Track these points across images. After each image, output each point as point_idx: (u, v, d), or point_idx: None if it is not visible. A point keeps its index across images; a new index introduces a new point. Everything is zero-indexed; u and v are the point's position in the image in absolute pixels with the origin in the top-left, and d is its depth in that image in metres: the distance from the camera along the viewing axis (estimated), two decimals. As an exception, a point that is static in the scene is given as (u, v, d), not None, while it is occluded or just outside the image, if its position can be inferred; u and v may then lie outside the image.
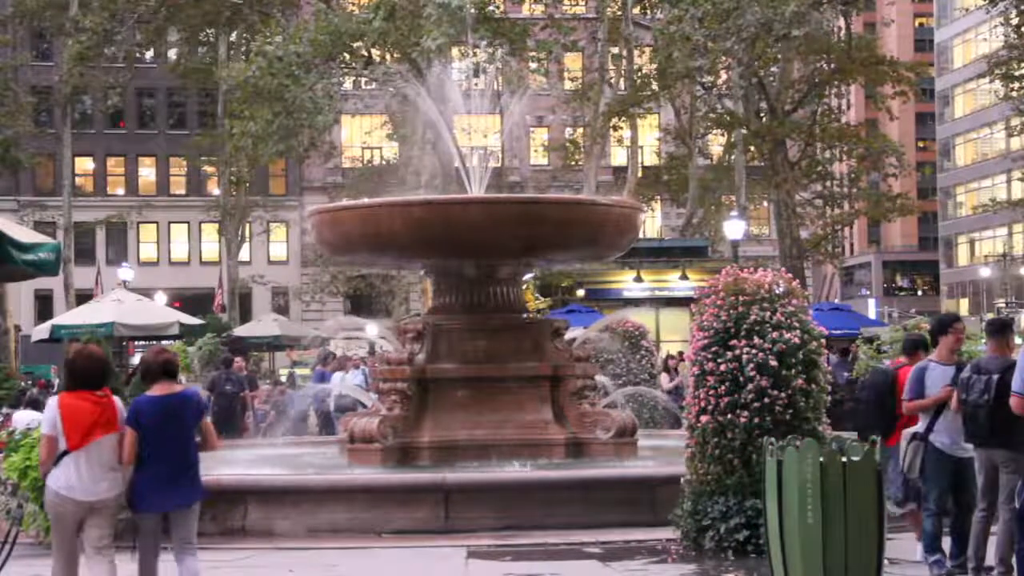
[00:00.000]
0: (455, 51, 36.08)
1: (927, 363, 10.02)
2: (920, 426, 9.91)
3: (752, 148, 44.30)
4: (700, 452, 10.84)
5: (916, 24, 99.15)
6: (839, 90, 47.80)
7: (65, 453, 8.28)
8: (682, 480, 11.07)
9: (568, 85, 46.39)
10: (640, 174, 45.37)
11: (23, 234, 12.09)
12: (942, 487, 9.81)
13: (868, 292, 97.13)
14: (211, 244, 60.59)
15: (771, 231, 53.78)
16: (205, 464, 14.86)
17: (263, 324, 42.68)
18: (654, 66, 38.85)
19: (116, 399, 8.50)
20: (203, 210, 56.41)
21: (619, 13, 41.01)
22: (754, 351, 10.56)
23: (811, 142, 44.80)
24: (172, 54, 55.29)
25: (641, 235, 23.51)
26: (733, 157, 45.48)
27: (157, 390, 8.50)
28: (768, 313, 10.73)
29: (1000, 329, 9.81)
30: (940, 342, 10.10)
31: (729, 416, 10.58)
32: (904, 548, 10.60)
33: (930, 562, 9.79)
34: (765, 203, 53.29)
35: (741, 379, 10.58)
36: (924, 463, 9.81)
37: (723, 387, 10.65)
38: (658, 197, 54.00)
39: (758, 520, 9.79)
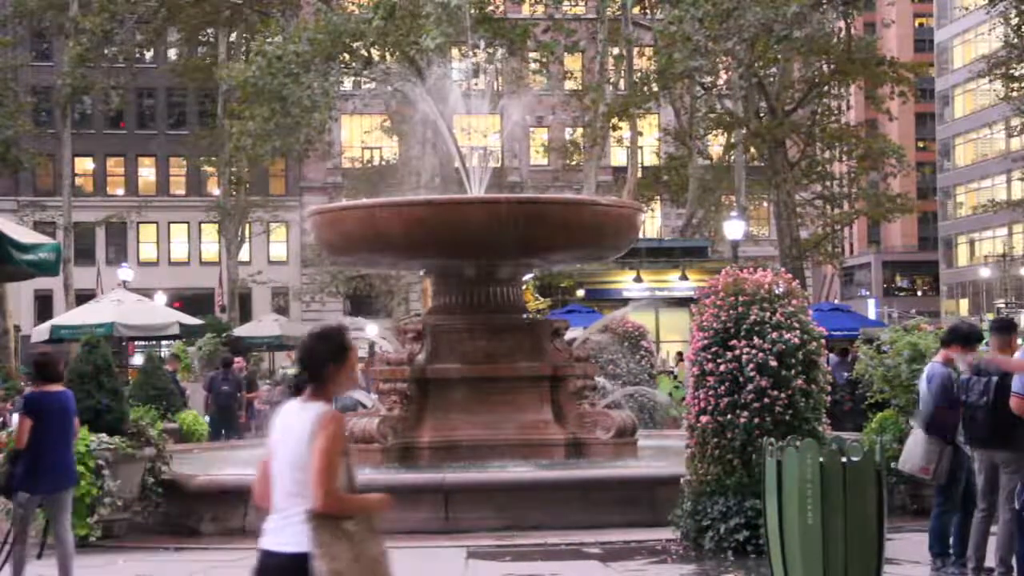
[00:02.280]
0: (455, 51, 36.09)
1: None
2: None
3: (752, 148, 44.31)
4: (700, 452, 10.84)
5: (916, 24, 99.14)
6: (839, 91, 47.79)
7: None
8: (682, 480, 11.06)
9: (568, 85, 46.39)
10: (640, 174, 45.37)
11: (23, 234, 12.08)
12: (961, 488, 9.80)
13: (868, 292, 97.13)
14: (211, 244, 60.60)
15: (771, 231, 53.79)
16: (205, 465, 14.88)
17: (263, 324, 42.70)
18: (654, 66, 38.84)
19: None
20: (203, 210, 56.40)
21: (619, 13, 41.02)
22: (754, 351, 10.56)
23: (811, 142, 44.82)
24: (172, 54, 55.33)
25: (641, 235, 23.55)
26: (733, 157, 45.48)
27: (50, 387, 9.81)
28: (768, 313, 10.73)
29: (1004, 328, 9.79)
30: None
31: (729, 416, 10.58)
32: (904, 548, 10.60)
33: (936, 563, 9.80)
34: (765, 203, 53.31)
35: (741, 379, 10.58)
36: (952, 466, 9.74)
37: (723, 387, 10.64)
38: (658, 197, 53.99)
39: (758, 520, 9.79)
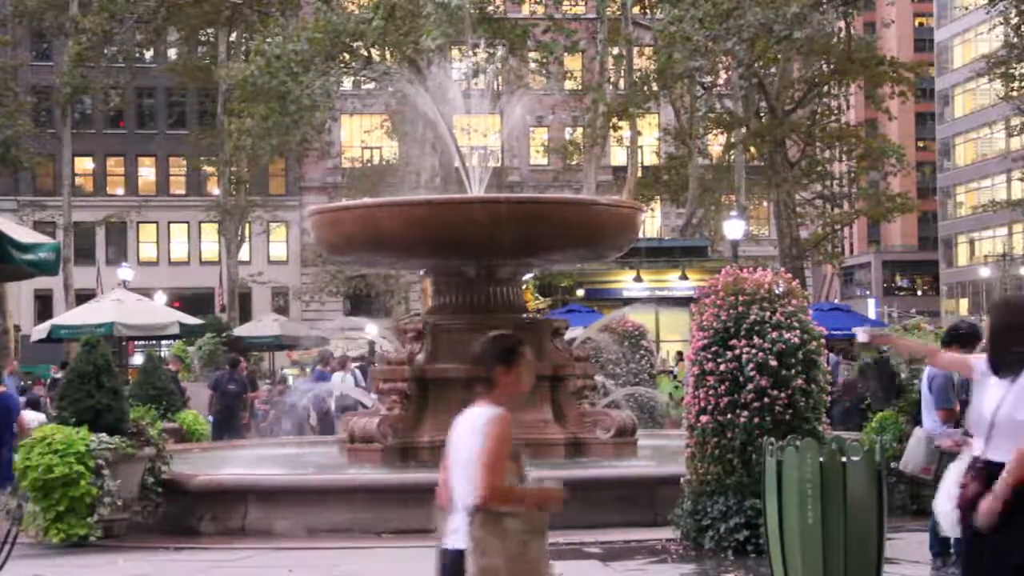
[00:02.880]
0: (455, 51, 36.10)
1: None
2: (940, 429, 9.79)
3: (752, 148, 44.31)
4: (700, 452, 10.83)
5: (916, 24, 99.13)
6: (839, 91, 47.80)
7: None
8: (682, 480, 11.06)
9: (568, 85, 46.40)
10: (640, 174, 45.37)
11: (23, 234, 12.08)
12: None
13: (868, 292, 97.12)
14: (211, 244, 60.60)
15: (771, 231, 53.80)
16: (205, 465, 14.91)
17: (263, 324, 42.66)
18: (654, 66, 38.85)
19: None
20: (203, 210, 56.40)
21: (619, 13, 41.01)
22: (754, 351, 10.55)
23: (811, 142, 44.82)
24: (172, 54, 55.31)
25: (641, 235, 23.55)
26: (733, 157, 45.49)
27: None
28: (768, 313, 10.73)
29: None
30: None
31: (729, 416, 10.57)
32: (904, 548, 10.60)
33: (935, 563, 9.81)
34: (765, 203, 53.30)
35: (741, 379, 10.58)
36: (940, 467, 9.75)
37: (723, 387, 10.64)
38: (658, 197, 53.98)
39: (758, 520, 9.79)
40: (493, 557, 5.20)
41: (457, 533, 5.46)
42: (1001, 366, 6.23)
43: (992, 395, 6.24)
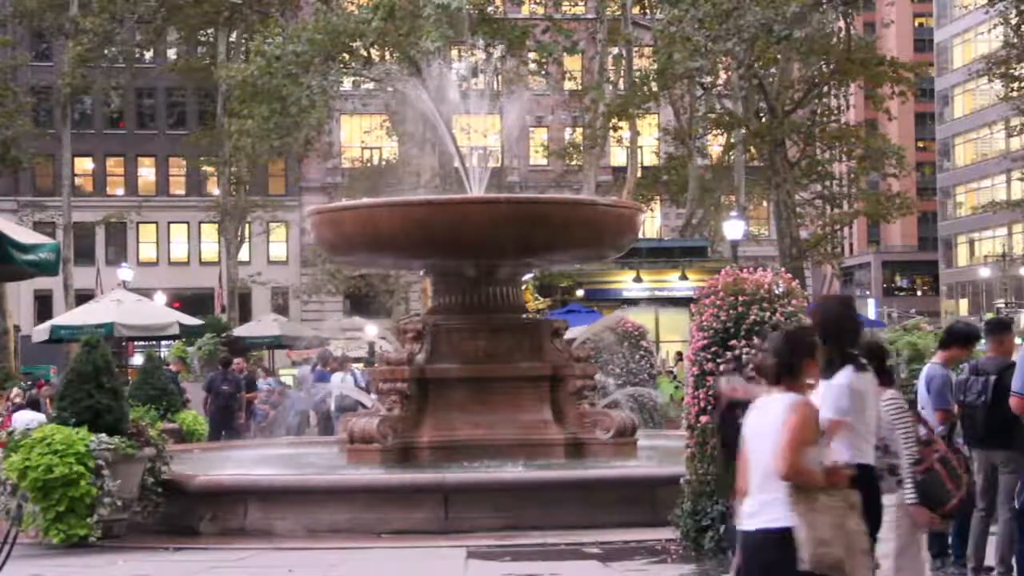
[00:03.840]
0: (454, 51, 36.10)
1: None
2: (938, 429, 9.77)
3: (752, 148, 44.31)
4: (700, 452, 10.82)
5: (916, 24, 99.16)
6: (839, 91, 47.81)
7: None
8: (682, 480, 11.06)
9: (568, 85, 46.40)
10: (640, 174, 45.39)
11: (23, 234, 12.09)
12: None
13: (868, 292, 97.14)
14: (211, 244, 60.61)
15: (771, 231, 53.80)
16: (205, 465, 14.92)
17: (263, 324, 42.68)
18: (654, 66, 38.86)
19: None
20: (203, 210, 56.41)
21: (619, 13, 41.02)
22: (754, 351, 10.54)
23: (811, 142, 44.82)
24: (172, 54, 55.30)
25: (641, 235, 23.56)
26: (733, 157, 45.49)
27: None
28: (768, 313, 10.72)
29: (996, 328, 9.79)
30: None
31: (729, 416, 10.57)
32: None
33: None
34: (765, 203, 53.30)
35: (741, 379, 10.57)
36: None
37: (723, 387, 10.63)
38: (658, 197, 53.99)
39: (758, 520, 9.78)
40: (821, 529, 5.51)
41: (755, 516, 5.72)
42: (822, 367, 6.23)
43: (817, 398, 6.25)
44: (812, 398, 6.12)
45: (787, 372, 5.85)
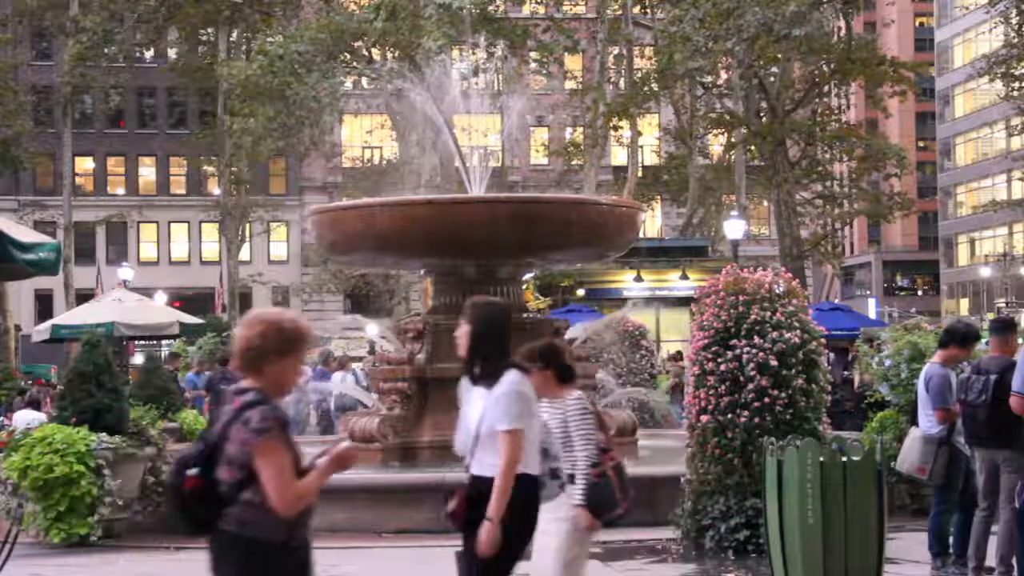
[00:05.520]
0: (455, 51, 36.08)
1: None
2: (937, 429, 9.79)
3: (752, 148, 44.31)
4: (700, 452, 10.83)
5: (916, 24, 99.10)
6: (839, 90, 47.80)
7: None
8: (682, 480, 11.06)
9: (569, 85, 46.40)
10: (640, 174, 45.38)
11: (23, 233, 12.08)
12: (959, 488, 9.80)
13: (868, 292, 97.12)
14: (211, 244, 60.60)
15: (771, 231, 53.79)
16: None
17: (263, 324, 42.57)
18: (654, 66, 38.87)
19: None
20: (203, 210, 56.40)
21: (619, 13, 41.02)
22: (754, 351, 10.55)
23: (811, 142, 44.82)
24: (172, 53, 55.30)
25: (641, 235, 23.56)
26: (733, 157, 45.49)
27: None
28: (768, 313, 10.73)
29: (1003, 328, 9.78)
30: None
31: (729, 416, 10.57)
32: (904, 548, 10.60)
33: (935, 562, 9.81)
34: (765, 203, 53.30)
35: (741, 379, 10.57)
36: (950, 467, 9.74)
37: (723, 387, 10.64)
38: (658, 197, 53.99)
39: (758, 520, 9.79)
40: None
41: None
42: (479, 374, 6.00)
43: (475, 407, 5.97)
44: (469, 407, 5.96)
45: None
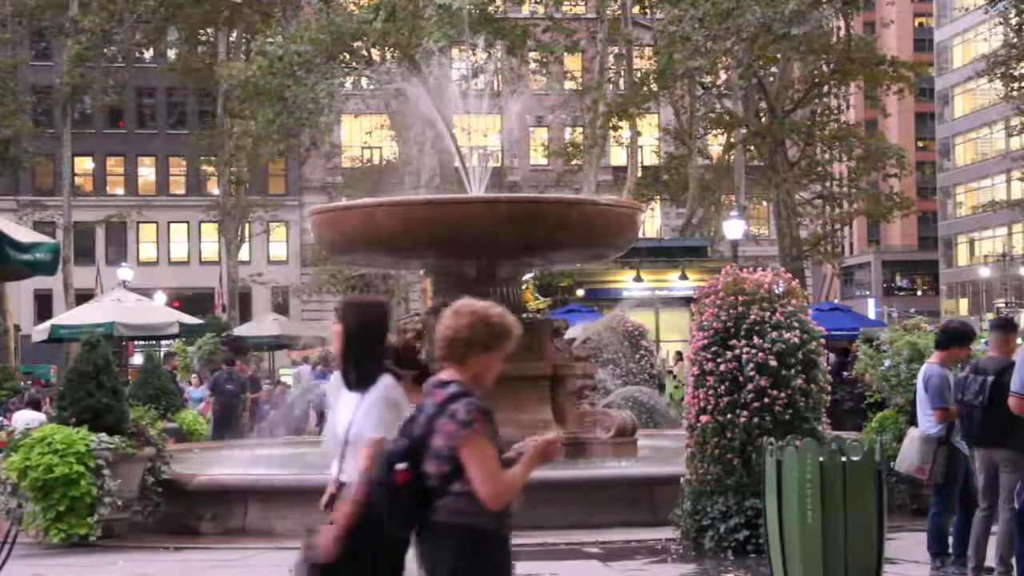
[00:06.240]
0: (455, 51, 36.09)
1: None
2: (936, 429, 9.79)
3: (752, 148, 44.32)
4: (700, 452, 10.83)
5: (916, 24, 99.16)
6: (839, 90, 47.81)
7: None
8: (682, 480, 11.05)
9: (569, 85, 46.41)
10: (640, 174, 45.38)
11: (22, 234, 12.08)
12: (958, 488, 9.81)
13: (868, 292, 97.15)
14: (211, 244, 60.60)
15: (771, 231, 53.79)
16: (205, 465, 14.89)
17: (263, 324, 42.68)
18: (654, 66, 38.87)
19: None
20: (203, 210, 56.40)
21: (619, 13, 41.02)
22: (754, 351, 10.55)
23: (811, 142, 44.83)
24: (172, 54, 55.31)
25: (641, 235, 23.56)
26: (733, 157, 45.50)
27: None
28: (768, 313, 10.72)
29: (1003, 326, 9.78)
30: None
31: (729, 416, 10.57)
32: (904, 548, 10.60)
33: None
34: (765, 203, 53.30)
35: (741, 379, 10.57)
36: (949, 467, 9.75)
37: (723, 387, 10.64)
38: (658, 197, 54.00)
39: (758, 520, 9.79)
40: None
41: None
42: (352, 378, 5.70)
43: (345, 410, 5.67)
44: (338, 409, 5.65)
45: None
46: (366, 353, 5.69)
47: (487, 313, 4.93)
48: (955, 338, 9.94)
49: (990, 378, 9.15)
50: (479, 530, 4.75)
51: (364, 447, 5.43)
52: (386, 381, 5.66)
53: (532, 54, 40.78)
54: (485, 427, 4.72)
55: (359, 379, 5.66)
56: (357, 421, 5.58)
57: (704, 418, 10.72)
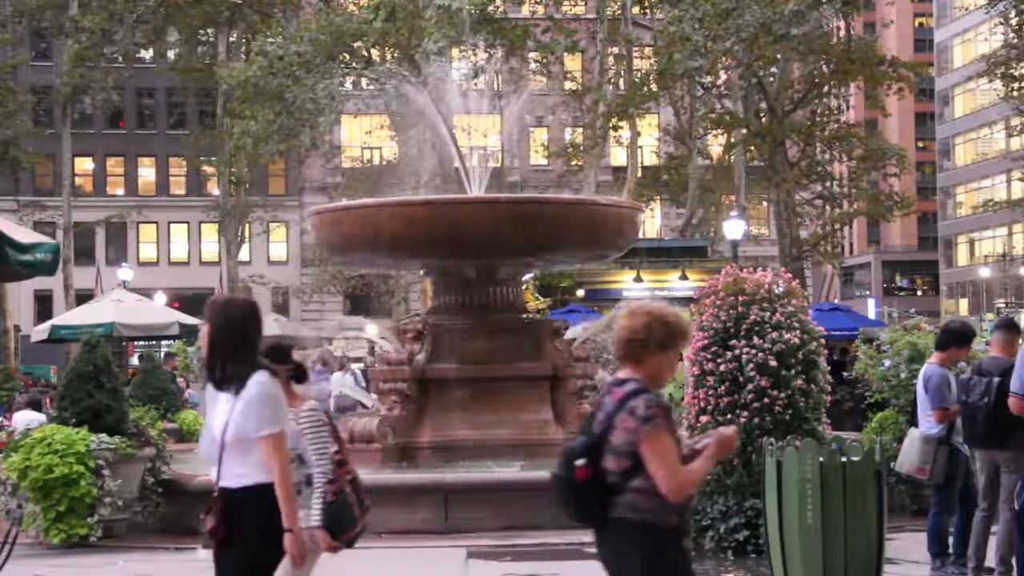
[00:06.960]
0: (455, 51, 36.09)
1: None
2: (936, 429, 9.78)
3: (752, 148, 44.32)
4: (700, 452, 10.82)
5: (916, 24, 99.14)
6: (839, 90, 47.80)
7: None
8: (682, 480, 11.04)
9: (569, 85, 46.41)
10: (640, 174, 45.37)
11: (22, 234, 12.07)
12: (958, 488, 9.80)
13: (868, 292, 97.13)
14: (211, 244, 60.59)
15: (771, 231, 53.79)
16: (205, 465, 14.92)
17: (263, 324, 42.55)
18: (654, 66, 38.87)
19: None
20: (203, 210, 56.38)
21: (619, 13, 41.02)
22: (754, 351, 10.55)
23: (811, 142, 44.82)
24: (171, 54, 55.32)
25: (641, 235, 23.56)
26: (733, 157, 45.49)
27: None
28: (768, 313, 10.73)
29: (1008, 327, 9.78)
30: None
31: (729, 416, 10.57)
32: (904, 548, 10.60)
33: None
34: (765, 203, 53.31)
35: (741, 379, 10.58)
36: (949, 467, 9.74)
37: (723, 387, 10.64)
38: (658, 197, 54.01)
39: (758, 520, 9.79)
40: None
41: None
42: (219, 377, 5.59)
43: (221, 412, 5.54)
44: (214, 412, 5.59)
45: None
46: (233, 352, 5.57)
47: (663, 313, 5.03)
48: (955, 338, 9.94)
49: (995, 379, 9.14)
50: (661, 526, 4.89)
51: (265, 447, 5.41)
52: (260, 377, 5.54)
53: (532, 54, 40.77)
54: (665, 423, 4.81)
55: (228, 378, 5.56)
56: (235, 421, 5.47)
57: (704, 418, 10.72)
